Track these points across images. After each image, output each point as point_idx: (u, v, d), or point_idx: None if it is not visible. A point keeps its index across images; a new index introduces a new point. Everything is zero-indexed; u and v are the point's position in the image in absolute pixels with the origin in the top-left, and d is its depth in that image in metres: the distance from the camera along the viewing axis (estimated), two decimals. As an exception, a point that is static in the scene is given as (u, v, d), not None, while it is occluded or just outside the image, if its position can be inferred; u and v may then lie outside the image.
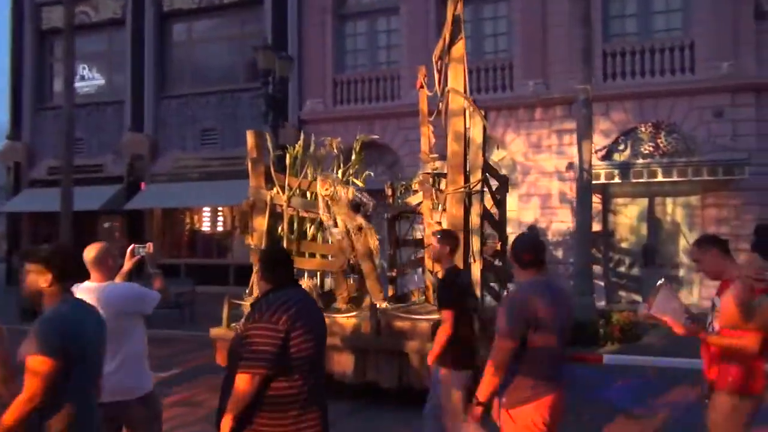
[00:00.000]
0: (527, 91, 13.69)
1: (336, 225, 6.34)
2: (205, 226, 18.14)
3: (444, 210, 7.00)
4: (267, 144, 6.93)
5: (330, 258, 6.98)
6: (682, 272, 12.92)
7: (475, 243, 5.95)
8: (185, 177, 17.00)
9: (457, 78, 6.02)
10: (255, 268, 6.50)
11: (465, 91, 6.02)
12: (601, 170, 11.83)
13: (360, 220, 6.16)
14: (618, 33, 13.55)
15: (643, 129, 11.62)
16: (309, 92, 15.53)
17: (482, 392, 2.86)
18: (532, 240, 3.32)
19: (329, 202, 6.20)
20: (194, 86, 17.32)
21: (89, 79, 18.73)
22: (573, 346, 7.77)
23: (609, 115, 12.91)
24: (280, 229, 6.90)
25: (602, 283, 12.79)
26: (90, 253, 3.32)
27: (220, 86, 16.93)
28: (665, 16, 13.25)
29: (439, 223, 6.56)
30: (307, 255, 7.00)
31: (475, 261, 5.91)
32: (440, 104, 6.71)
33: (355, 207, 6.51)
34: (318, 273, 7.09)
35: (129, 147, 17.42)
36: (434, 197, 6.74)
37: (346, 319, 6.08)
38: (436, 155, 7.08)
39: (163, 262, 15.48)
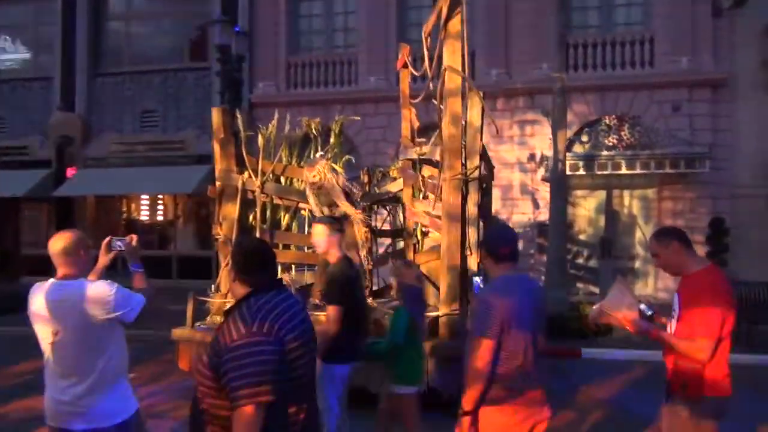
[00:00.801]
0: (489, 81, 13.42)
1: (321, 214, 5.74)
2: (144, 216, 16.94)
3: (427, 197, 6.55)
4: (237, 123, 6.23)
5: (307, 250, 6.38)
6: (638, 264, 13.07)
7: (472, 234, 5.51)
8: (122, 162, 15.74)
9: (454, 56, 5.54)
10: (224, 263, 5.82)
11: (463, 70, 5.54)
12: (565, 162, 11.71)
13: (350, 208, 5.61)
14: (579, 25, 13.49)
15: (607, 121, 11.58)
16: (260, 74, 14.65)
17: (468, 401, 2.58)
18: (508, 232, 3.09)
19: (316, 190, 5.60)
20: (134, 64, 16.02)
21: (12, 52, 17.02)
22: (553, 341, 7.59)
23: (571, 107, 12.81)
24: (251, 217, 6.24)
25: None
26: (57, 243, 2.62)
27: (163, 65, 15.75)
28: (626, 10, 13.30)
29: (429, 213, 6.08)
30: (281, 246, 6.37)
31: (471, 253, 5.47)
32: (429, 85, 6.22)
33: (344, 195, 5.98)
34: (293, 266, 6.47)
35: (58, 128, 15.90)
36: (421, 184, 6.25)
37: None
38: (423, 140, 6.60)
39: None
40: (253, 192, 6.00)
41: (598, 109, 12.66)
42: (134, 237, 2.89)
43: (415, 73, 6.65)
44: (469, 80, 5.53)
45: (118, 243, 2.87)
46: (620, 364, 7.65)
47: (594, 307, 3.16)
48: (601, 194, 13.17)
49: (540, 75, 12.47)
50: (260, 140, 6.24)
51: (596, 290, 12.64)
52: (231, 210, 5.90)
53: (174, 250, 15.70)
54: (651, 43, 12.64)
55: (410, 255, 6.62)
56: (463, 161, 5.50)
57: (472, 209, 5.52)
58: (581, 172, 11.62)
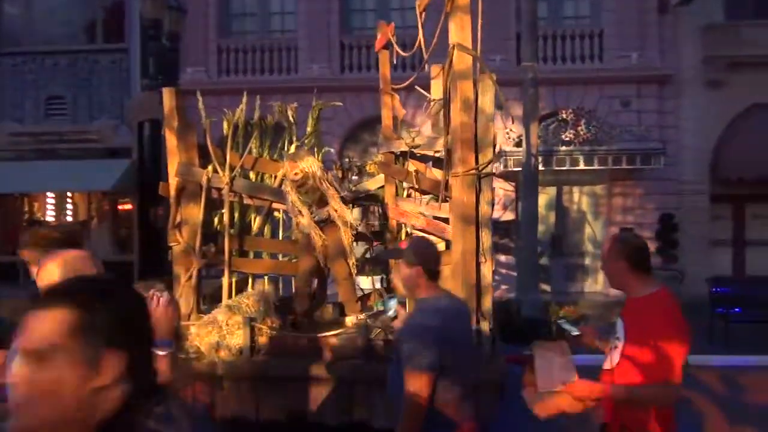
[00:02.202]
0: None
1: (301, 215, 4.81)
2: (50, 216, 14.94)
3: (410, 196, 5.78)
4: (198, 105, 5.15)
5: (282, 258, 5.41)
6: (588, 261, 12.97)
7: (485, 238, 4.77)
8: (22, 155, 13.75)
9: (463, 31, 4.77)
10: (185, 277, 4.73)
11: (474, 48, 4.79)
12: (520, 157, 11.32)
13: (345, 211, 4.71)
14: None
15: (563, 115, 11.29)
16: (189, 59, 13.22)
17: None
18: (433, 245, 2.95)
19: (297, 188, 4.66)
20: (36, 43, 14.01)
21: None
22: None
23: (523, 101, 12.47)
24: (216, 220, 5.19)
25: (515, 274, 12.40)
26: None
27: (72, 45, 13.88)
28: (574, 3, 13.13)
29: (423, 214, 5.29)
30: (251, 254, 5.35)
31: (486, 260, 4.74)
32: (425, 65, 5.43)
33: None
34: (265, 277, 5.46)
35: (-58, 115, 13.70)
36: (416, 181, 5.45)
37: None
38: (416, 129, 5.80)
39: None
40: (219, 190, 4.95)
41: (550, 103, 12.38)
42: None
43: (403, 54, 5.82)
44: (481, 60, 4.78)
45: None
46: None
47: (528, 398, 2.54)
48: (551, 191, 12.94)
49: (493, 67, 11.99)
50: (225, 127, 5.20)
51: (547, 288, 12.39)
52: (194, 212, 4.82)
53: (88, 255, 13.91)
54: (600, 38, 12.52)
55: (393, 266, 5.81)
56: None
57: (485, 209, 4.77)
58: (540, 167, 11.27)
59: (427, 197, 5.80)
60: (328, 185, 4.64)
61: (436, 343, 2.32)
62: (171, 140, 5.09)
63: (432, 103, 6.37)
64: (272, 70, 13.31)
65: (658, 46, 12.35)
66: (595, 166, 11.05)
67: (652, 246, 12.24)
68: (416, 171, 5.57)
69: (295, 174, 4.59)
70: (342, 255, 4.94)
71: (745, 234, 13.18)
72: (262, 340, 4.36)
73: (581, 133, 11.02)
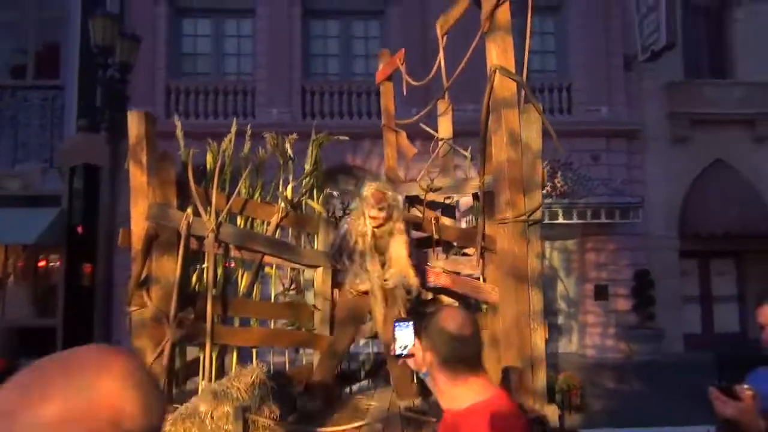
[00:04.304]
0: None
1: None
2: (-43, 273, 12.93)
3: (436, 249, 4.89)
4: (177, 134, 4.14)
5: (275, 324, 4.34)
6: (561, 320, 12.37)
7: (536, 300, 3.91)
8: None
9: (506, 54, 4.05)
10: (155, 352, 3.56)
11: (518, 72, 4.07)
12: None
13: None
14: (494, 68, 12.94)
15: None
16: (135, 99, 11.98)
17: None
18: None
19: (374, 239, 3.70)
20: (-48, 77, 12.45)
21: None
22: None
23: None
24: (194, 278, 4.09)
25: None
26: None
27: (-2, 80, 12.42)
28: (541, 57, 13.00)
29: (447, 271, 4.39)
30: (236, 322, 4.24)
31: (536, 328, 3.86)
32: (445, 96, 4.67)
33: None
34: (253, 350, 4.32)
35: None
36: (436, 230, 4.56)
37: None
38: (436, 170, 4.99)
39: None
40: (199, 239, 3.87)
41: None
42: None
43: (412, 83, 5.05)
44: (526, 87, 4.06)
45: None
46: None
47: None
48: (522, 245, 12.37)
49: (463, 116, 11.52)
50: (209, 160, 4.19)
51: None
52: (168, 267, 3.71)
53: (2, 320, 11.99)
54: (569, 91, 12.37)
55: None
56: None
57: (535, 263, 3.94)
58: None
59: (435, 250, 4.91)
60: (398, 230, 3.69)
61: None
62: (137, 176, 4.01)
63: (440, 143, 5.63)
64: (226, 114, 12.29)
65: (625, 101, 12.33)
66: (575, 220, 10.59)
67: (628, 303, 11.89)
68: (436, 218, 4.70)
69: (381, 209, 3.62)
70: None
71: (712, 290, 13.05)
72: (262, 438, 3.26)
73: (558, 185, 10.58)
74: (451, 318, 1.66)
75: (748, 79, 12.66)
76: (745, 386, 1.90)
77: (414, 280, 3.78)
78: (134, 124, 4.07)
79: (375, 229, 3.72)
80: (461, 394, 1.60)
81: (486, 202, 4.07)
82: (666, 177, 12.29)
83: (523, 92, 4.08)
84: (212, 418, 3.43)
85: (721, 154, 12.40)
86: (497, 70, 3.98)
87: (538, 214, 4.02)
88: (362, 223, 3.75)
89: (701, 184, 12.39)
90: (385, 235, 3.76)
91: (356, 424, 3.55)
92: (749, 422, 1.81)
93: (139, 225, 4.02)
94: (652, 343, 11.19)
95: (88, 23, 8.36)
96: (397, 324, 2.12)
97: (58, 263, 11.90)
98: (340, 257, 3.80)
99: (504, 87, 4.00)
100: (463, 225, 8.71)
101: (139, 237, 4.01)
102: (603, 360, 11.26)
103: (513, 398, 1.79)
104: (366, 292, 3.72)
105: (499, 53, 4.05)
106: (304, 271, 4.57)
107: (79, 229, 10.94)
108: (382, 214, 3.68)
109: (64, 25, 12.03)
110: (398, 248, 3.76)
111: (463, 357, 1.61)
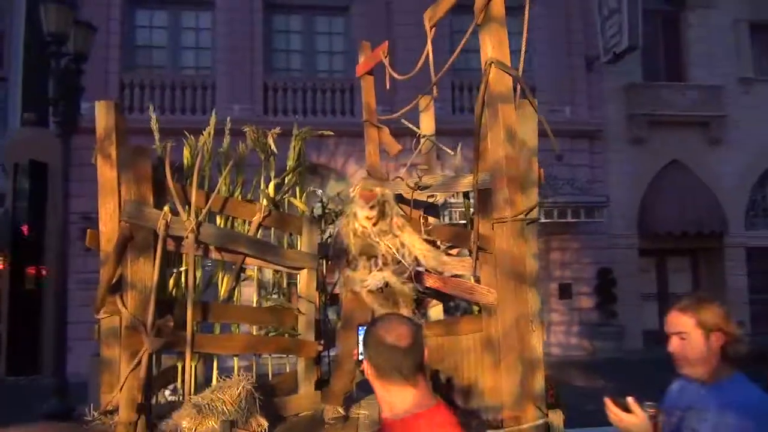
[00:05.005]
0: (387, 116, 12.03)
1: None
2: None
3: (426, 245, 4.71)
4: (152, 127, 3.83)
5: (258, 331, 4.07)
6: (526, 319, 12.44)
7: (533, 301, 3.79)
8: None
9: (501, 47, 3.91)
10: (131, 364, 3.25)
11: (515, 67, 3.94)
12: (463, 209, 10.69)
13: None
14: (463, 67, 12.90)
15: (507, 166, 10.85)
16: (86, 93, 11.36)
17: None
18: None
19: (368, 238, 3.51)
20: None
21: None
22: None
23: (463, 151, 11.99)
24: (171, 282, 3.78)
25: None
26: None
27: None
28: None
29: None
30: (217, 328, 3.95)
31: (534, 329, 3.74)
32: (433, 90, 4.48)
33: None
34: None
35: None
36: (426, 229, 4.38)
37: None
38: (425, 166, 4.80)
39: None
40: (177, 240, 3.58)
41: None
42: None
43: (396, 77, 4.85)
44: (523, 82, 3.93)
45: None
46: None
47: None
48: (486, 245, 12.39)
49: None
50: (186, 156, 3.89)
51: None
52: (144, 270, 3.40)
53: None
54: (533, 92, 12.42)
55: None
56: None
57: (532, 264, 3.82)
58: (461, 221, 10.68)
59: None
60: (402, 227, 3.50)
61: None
62: (106, 171, 3.67)
63: (423, 140, 5.46)
64: (184, 110, 11.82)
65: (587, 102, 12.50)
66: (542, 219, 10.62)
67: (591, 301, 12.06)
68: (424, 217, 4.52)
69: (372, 207, 3.42)
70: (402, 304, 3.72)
71: (668, 287, 13.39)
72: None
73: (525, 184, 10.59)
74: (388, 328, 1.64)
75: (703, 82, 13.06)
76: (648, 403, 1.85)
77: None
78: (102, 115, 3.73)
79: (366, 230, 3.53)
80: (398, 404, 1.61)
81: (480, 200, 3.93)
82: (626, 177, 12.55)
83: (519, 87, 3.97)
84: (197, 434, 3.17)
85: (677, 155, 12.74)
86: (493, 64, 3.85)
87: (534, 213, 3.91)
88: (352, 223, 3.56)
89: (659, 184, 12.69)
90: (380, 235, 3.57)
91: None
92: None
93: (108, 225, 3.69)
94: (613, 341, 11.38)
95: (35, 12, 7.83)
96: (361, 329, 2.13)
97: (2, 266, 11.17)
98: (338, 260, 3.61)
99: (500, 81, 3.86)
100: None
101: (108, 238, 3.68)
102: (567, 358, 11.38)
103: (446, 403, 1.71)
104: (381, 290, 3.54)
105: (494, 46, 3.90)
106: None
107: (25, 230, 10.32)
108: (375, 212, 3.50)
109: (7, 14, 11.30)
110: (412, 239, 3.60)
111: (399, 367, 1.59)
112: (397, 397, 1.61)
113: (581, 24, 12.62)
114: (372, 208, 3.49)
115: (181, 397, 3.61)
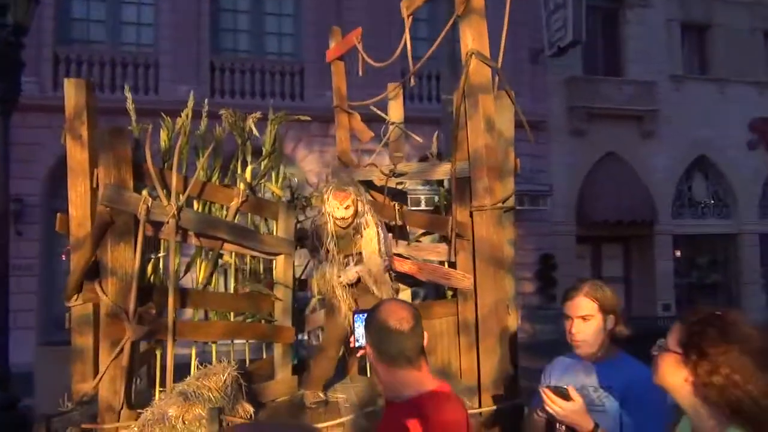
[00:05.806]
0: (322, 103, 11.92)
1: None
2: None
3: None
4: (128, 106, 3.70)
5: (236, 318, 4.02)
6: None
7: (510, 286, 3.96)
8: None
9: (481, 38, 4.01)
10: (113, 355, 3.14)
11: (494, 59, 4.06)
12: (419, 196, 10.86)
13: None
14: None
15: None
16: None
17: None
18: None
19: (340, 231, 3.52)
20: None
21: None
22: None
23: (409, 139, 12.09)
24: (150, 268, 3.69)
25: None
26: None
27: None
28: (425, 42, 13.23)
29: (402, 257, 4.32)
30: (195, 314, 3.89)
31: (510, 313, 3.91)
32: (411, 80, 4.51)
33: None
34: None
35: None
36: (400, 216, 4.45)
37: (327, 435, 3.33)
38: (401, 154, 4.86)
39: None
40: (156, 225, 3.49)
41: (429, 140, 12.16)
42: None
43: (374, 64, 4.88)
44: (501, 73, 4.06)
45: None
46: None
47: None
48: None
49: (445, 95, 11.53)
50: (163, 138, 3.78)
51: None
52: (125, 256, 3.30)
53: None
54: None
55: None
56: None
57: (509, 250, 3.98)
58: (423, 207, 10.86)
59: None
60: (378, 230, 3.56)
61: None
62: (76, 153, 3.55)
63: (391, 127, 5.51)
64: (124, 88, 11.29)
65: (531, 93, 12.88)
66: (489, 207, 10.92)
67: (532, 286, 12.54)
68: (400, 205, 4.59)
69: (347, 207, 3.42)
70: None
71: (602, 272, 14.11)
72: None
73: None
74: (390, 312, 1.67)
75: (638, 78, 13.74)
76: (569, 386, 1.92)
77: (378, 270, 3.67)
78: (72, 93, 3.58)
79: (341, 229, 3.57)
80: (403, 387, 1.64)
81: (458, 188, 4.03)
82: (566, 167, 13.06)
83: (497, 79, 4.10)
84: (184, 422, 3.12)
85: (613, 147, 13.37)
86: (473, 55, 3.94)
87: (511, 201, 4.07)
88: (328, 222, 3.59)
89: (595, 174, 13.30)
90: (351, 233, 3.61)
91: (343, 419, 3.39)
92: (579, 423, 1.85)
93: (78, 209, 3.56)
94: (553, 323, 11.88)
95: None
96: (356, 315, 2.16)
97: None
98: (317, 253, 3.64)
99: (479, 72, 3.98)
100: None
101: (78, 222, 3.55)
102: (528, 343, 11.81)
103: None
104: (354, 285, 3.58)
105: (474, 37, 4.02)
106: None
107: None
108: (350, 213, 3.53)
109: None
110: (369, 244, 3.63)
111: (403, 351, 1.62)
112: (402, 380, 1.64)
113: (527, 17, 12.94)
114: (347, 208, 3.53)
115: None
